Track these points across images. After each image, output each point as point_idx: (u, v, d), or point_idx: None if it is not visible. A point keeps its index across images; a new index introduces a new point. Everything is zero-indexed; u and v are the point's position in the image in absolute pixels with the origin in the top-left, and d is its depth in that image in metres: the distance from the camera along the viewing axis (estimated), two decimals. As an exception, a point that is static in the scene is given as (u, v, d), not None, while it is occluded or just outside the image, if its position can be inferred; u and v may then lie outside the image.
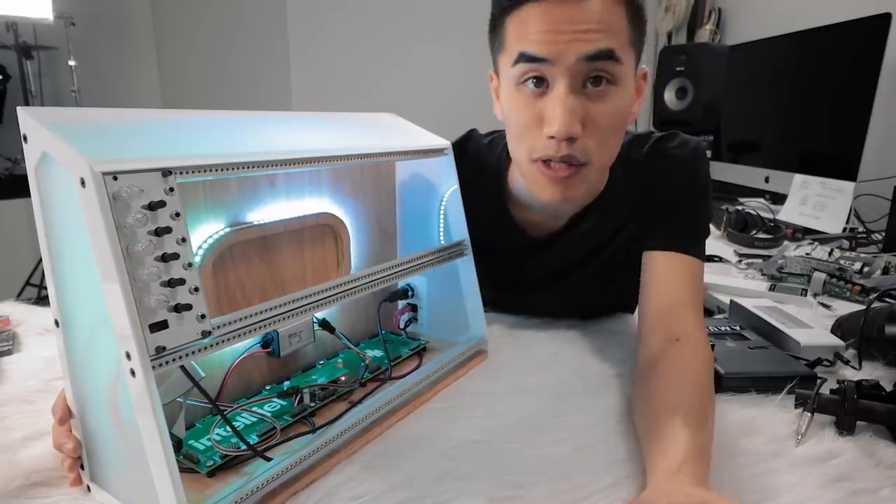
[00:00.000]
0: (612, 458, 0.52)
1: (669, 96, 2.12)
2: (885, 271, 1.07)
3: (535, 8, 0.59)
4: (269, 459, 0.47)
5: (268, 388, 0.60)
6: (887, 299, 0.90)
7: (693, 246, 0.71)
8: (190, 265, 0.39)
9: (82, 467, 0.47)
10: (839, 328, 0.79)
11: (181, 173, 0.39)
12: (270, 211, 0.59)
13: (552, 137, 0.61)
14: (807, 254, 1.15)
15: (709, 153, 1.95)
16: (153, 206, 0.37)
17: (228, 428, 0.50)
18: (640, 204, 0.75)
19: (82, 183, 0.35)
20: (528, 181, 0.68)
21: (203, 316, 0.40)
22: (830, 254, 1.15)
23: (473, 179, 0.76)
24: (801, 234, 1.41)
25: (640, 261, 0.75)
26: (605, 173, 0.74)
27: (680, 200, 0.73)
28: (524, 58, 0.60)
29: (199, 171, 0.41)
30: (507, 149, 0.75)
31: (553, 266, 0.82)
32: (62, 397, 0.47)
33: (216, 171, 0.42)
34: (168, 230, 0.38)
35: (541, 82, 0.61)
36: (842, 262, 1.10)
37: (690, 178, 0.73)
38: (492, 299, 0.86)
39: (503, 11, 0.62)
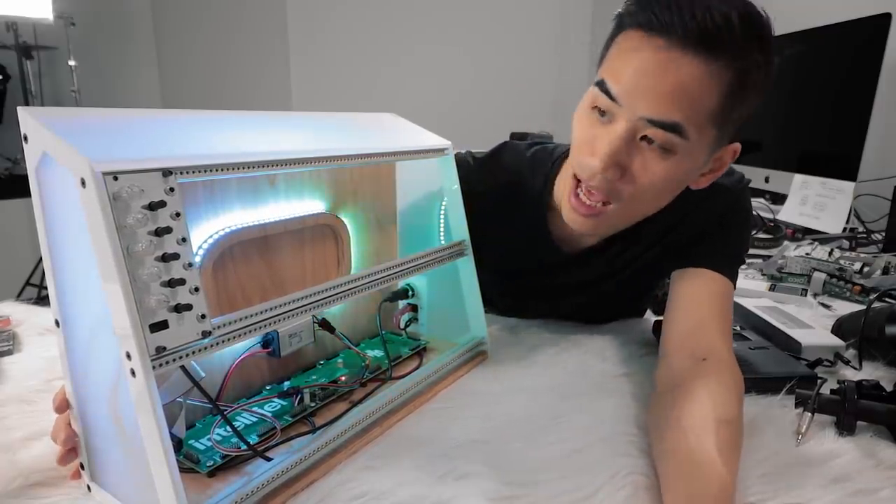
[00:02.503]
0: (613, 459, 0.52)
1: (669, 96, 2.12)
2: (885, 271, 1.07)
3: (641, 39, 0.56)
4: (269, 459, 0.47)
5: (268, 388, 0.60)
6: (887, 299, 0.90)
7: (725, 266, 0.69)
8: (190, 265, 0.39)
9: (82, 467, 0.47)
10: (839, 328, 0.79)
11: (181, 173, 0.39)
12: (270, 211, 0.59)
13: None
14: (807, 254, 1.16)
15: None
16: (153, 207, 0.37)
17: (229, 428, 0.50)
18: (676, 225, 0.73)
19: (82, 183, 0.35)
20: (564, 193, 0.67)
21: (203, 316, 0.40)
22: (830, 254, 1.15)
23: (509, 195, 0.75)
24: (801, 234, 1.41)
25: (663, 276, 0.73)
26: (638, 216, 0.70)
27: (719, 223, 0.71)
28: (602, 86, 0.59)
29: (199, 171, 0.41)
30: (557, 164, 0.74)
31: (578, 279, 0.81)
32: (62, 390, 0.47)
33: (216, 171, 0.42)
34: (168, 230, 0.38)
35: (606, 114, 0.60)
36: (842, 262, 1.10)
37: (732, 206, 0.72)
38: (501, 305, 0.86)
39: (619, 27, 0.60)
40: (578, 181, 0.64)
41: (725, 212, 0.72)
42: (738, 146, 0.64)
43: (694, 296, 0.67)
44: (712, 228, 0.71)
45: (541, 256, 0.80)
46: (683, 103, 0.55)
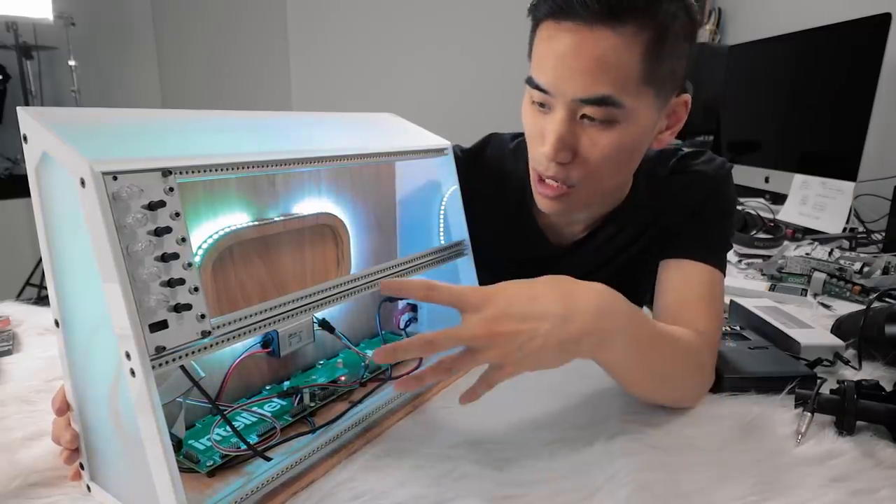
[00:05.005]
0: (613, 459, 0.52)
1: (669, 96, 2.12)
2: (885, 271, 1.07)
3: (552, 28, 0.59)
4: (269, 459, 0.47)
5: (268, 388, 0.60)
6: (887, 299, 0.90)
7: (710, 255, 0.69)
8: (190, 265, 0.39)
9: (82, 467, 0.47)
10: (839, 328, 0.79)
11: (181, 173, 0.39)
12: (270, 211, 0.59)
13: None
14: (807, 254, 1.16)
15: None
16: (153, 206, 0.37)
17: (228, 428, 0.50)
18: (661, 214, 0.74)
19: (82, 183, 0.35)
20: (531, 185, 0.70)
21: (203, 316, 0.40)
22: (830, 254, 1.15)
23: (494, 187, 0.76)
24: (801, 234, 1.41)
25: (653, 269, 0.74)
26: (612, 192, 0.73)
27: (702, 213, 0.72)
28: (531, 82, 0.62)
29: (198, 171, 0.41)
30: None
31: (569, 272, 0.81)
32: (62, 391, 0.47)
33: (216, 171, 0.42)
34: (168, 230, 0.38)
35: (544, 105, 0.63)
36: (842, 262, 1.10)
37: (714, 193, 0.73)
38: None
39: (535, 19, 0.63)
40: (537, 173, 0.67)
41: (708, 199, 0.73)
42: (687, 98, 0.67)
43: (678, 283, 0.68)
44: (694, 218, 0.72)
45: (530, 247, 0.80)
46: (607, 75, 0.57)
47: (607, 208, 0.76)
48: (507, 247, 0.78)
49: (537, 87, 0.61)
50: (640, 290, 0.88)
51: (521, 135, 0.82)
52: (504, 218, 0.78)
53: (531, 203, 0.77)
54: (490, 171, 0.78)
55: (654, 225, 0.75)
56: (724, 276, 0.70)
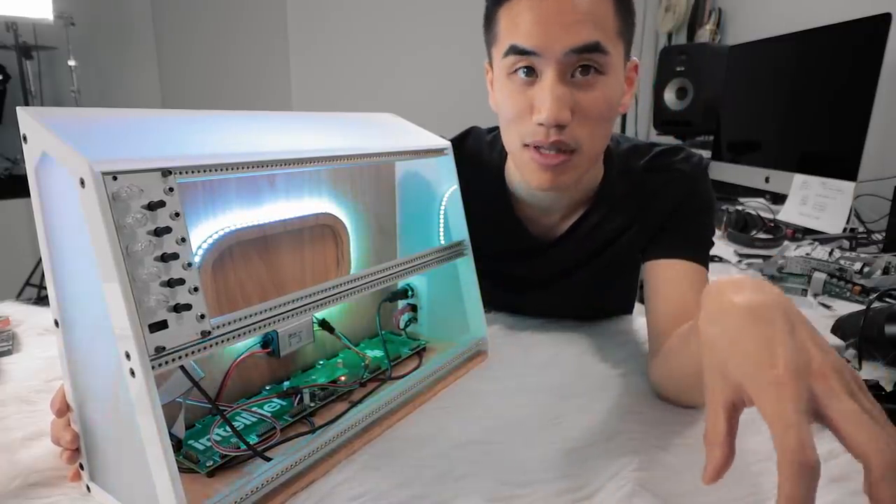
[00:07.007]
0: (613, 459, 0.52)
1: (669, 96, 2.12)
2: (886, 271, 1.07)
3: (525, 1, 0.61)
4: (268, 459, 0.47)
5: (267, 388, 0.60)
6: (887, 299, 0.90)
7: (696, 254, 0.70)
8: (189, 265, 0.39)
9: (82, 467, 0.47)
10: (839, 328, 0.79)
11: (181, 173, 0.39)
12: (270, 211, 0.59)
13: (542, 125, 0.63)
14: (807, 254, 1.15)
15: (708, 154, 1.95)
16: (153, 206, 0.37)
17: (228, 428, 0.50)
18: (641, 213, 0.75)
19: (82, 183, 0.35)
20: (520, 167, 0.69)
21: (203, 316, 0.40)
22: (830, 254, 1.15)
23: (473, 178, 0.77)
24: (801, 234, 1.41)
25: (639, 267, 0.74)
26: (596, 163, 0.74)
27: (682, 211, 0.73)
28: (514, 50, 0.62)
29: (198, 171, 0.41)
30: None
31: (555, 267, 0.82)
32: (61, 392, 0.47)
33: (216, 171, 0.42)
34: (168, 230, 0.38)
35: (531, 72, 0.63)
36: (842, 262, 1.10)
37: (693, 191, 0.74)
38: (493, 299, 0.87)
39: (496, 4, 0.64)
40: (533, 147, 0.65)
41: (686, 198, 0.74)
42: (637, 61, 0.70)
43: (669, 284, 0.69)
44: (675, 216, 0.73)
45: (511, 239, 0.81)
46: (594, 24, 0.60)
47: (582, 194, 0.77)
48: (490, 238, 0.78)
49: (523, 52, 0.62)
50: (618, 284, 0.89)
51: (496, 128, 0.83)
52: (484, 210, 0.78)
53: (509, 194, 0.79)
54: (471, 160, 0.79)
55: (637, 221, 0.76)
56: (708, 272, 0.72)
